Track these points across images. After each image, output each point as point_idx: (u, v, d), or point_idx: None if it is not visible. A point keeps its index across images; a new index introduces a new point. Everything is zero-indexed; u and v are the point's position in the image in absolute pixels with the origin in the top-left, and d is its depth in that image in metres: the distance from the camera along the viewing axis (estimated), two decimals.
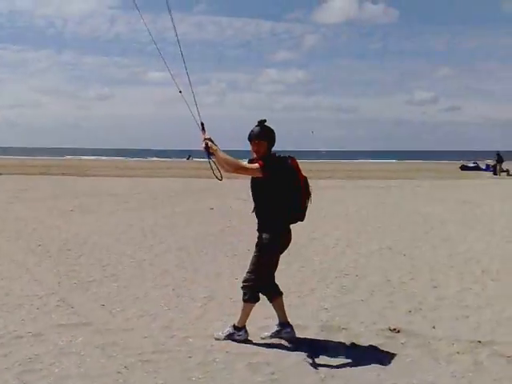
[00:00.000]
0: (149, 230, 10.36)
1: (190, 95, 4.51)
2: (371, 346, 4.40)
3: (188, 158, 66.68)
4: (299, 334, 4.59)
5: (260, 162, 4.26)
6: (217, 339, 4.47)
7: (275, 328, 4.59)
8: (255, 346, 4.39)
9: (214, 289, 6.12)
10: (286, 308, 5.25)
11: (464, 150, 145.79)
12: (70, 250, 8.27)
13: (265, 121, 4.40)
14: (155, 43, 4.72)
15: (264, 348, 4.35)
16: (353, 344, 4.44)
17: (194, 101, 4.46)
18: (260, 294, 4.51)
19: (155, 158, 74.19)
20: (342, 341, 4.52)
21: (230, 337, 4.48)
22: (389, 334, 4.64)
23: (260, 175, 4.26)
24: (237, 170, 4.27)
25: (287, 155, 4.43)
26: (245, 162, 4.41)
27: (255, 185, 4.43)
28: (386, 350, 4.34)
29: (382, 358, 4.17)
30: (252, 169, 4.28)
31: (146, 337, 4.57)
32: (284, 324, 4.58)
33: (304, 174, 4.50)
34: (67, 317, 5.08)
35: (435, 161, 68.75)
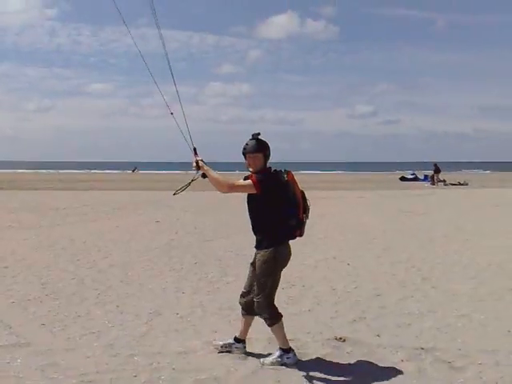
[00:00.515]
0: (92, 244, 10.06)
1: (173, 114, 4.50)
2: (319, 357, 4.43)
3: (133, 171, 65.65)
4: (247, 348, 4.56)
5: (253, 178, 4.19)
6: (265, 364, 4.26)
7: (228, 340, 4.55)
8: (202, 362, 4.32)
9: (159, 304, 6.00)
10: (233, 321, 5.24)
11: (403, 161, 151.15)
12: (7, 267, 7.90)
13: (259, 134, 4.31)
14: (143, 58, 4.61)
15: (211, 363, 4.29)
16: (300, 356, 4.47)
17: (186, 124, 4.40)
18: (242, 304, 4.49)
19: (99, 171, 72.43)
20: None
21: (279, 361, 4.26)
22: (335, 343, 4.69)
23: (254, 191, 4.16)
24: (230, 189, 4.21)
25: (283, 169, 4.35)
26: (241, 180, 4.33)
27: (251, 201, 4.31)
28: (333, 360, 4.39)
29: (330, 368, 4.22)
30: (246, 186, 4.20)
31: (88, 356, 4.41)
32: (241, 340, 4.54)
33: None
34: (5, 338, 4.83)
35: (376, 172, 70.86)
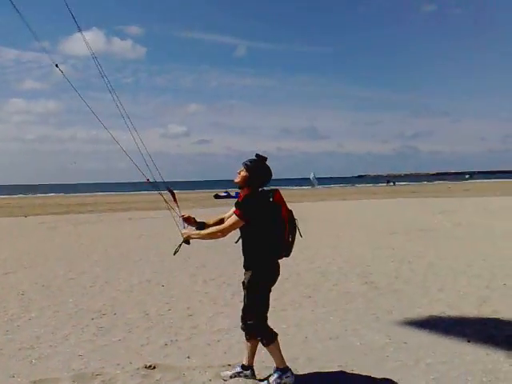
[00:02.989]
0: None
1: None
2: None
3: None
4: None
5: (236, 211, 4.12)
6: None
7: (236, 369, 4.46)
8: None
9: None
10: (34, 361, 4.90)
11: (215, 179, 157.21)
12: None
13: (263, 158, 4.22)
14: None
15: None
16: None
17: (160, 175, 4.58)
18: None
19: None
20: None
21: (278, 380, 4.22)
22: (145, 372, 4.58)
23: (243, 223, 4.10)
24: (224, 234, 4.14)
25: (271, 188, 4.29)
26: (228, 220, 4.21)
27: None
28: None
29: None
30: (235, 223, 4.11)
31: None
32: (248, 367, 4.45)
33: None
34: None
35: (192, 191, 72.58)
